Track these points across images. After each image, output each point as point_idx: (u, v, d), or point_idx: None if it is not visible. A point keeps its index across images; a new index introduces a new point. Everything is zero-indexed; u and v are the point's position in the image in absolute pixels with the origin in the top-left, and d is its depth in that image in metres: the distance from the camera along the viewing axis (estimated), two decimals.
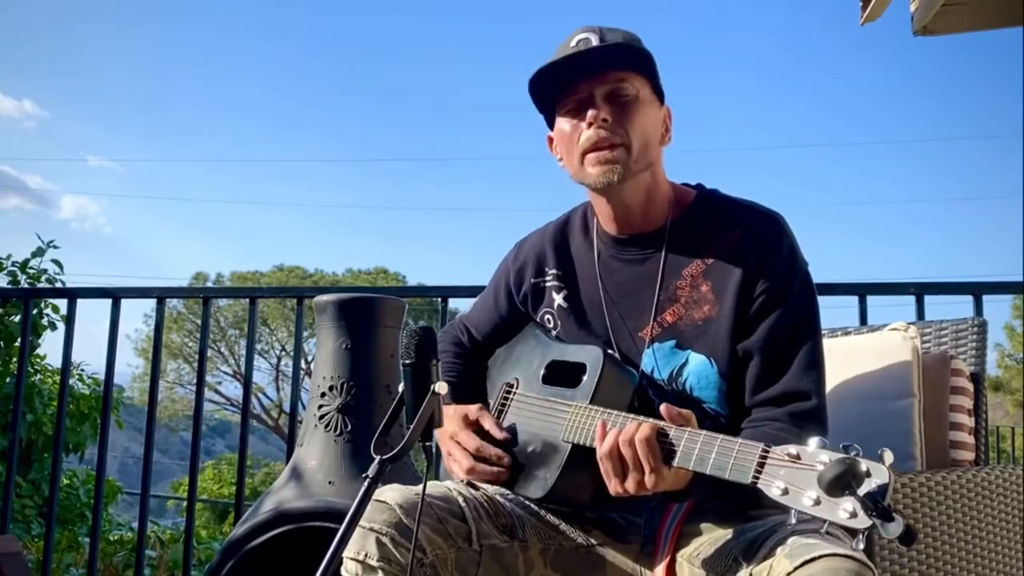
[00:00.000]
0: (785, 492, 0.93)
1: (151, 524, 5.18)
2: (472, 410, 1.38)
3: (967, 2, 2.48)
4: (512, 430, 1.36)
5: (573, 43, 1.29)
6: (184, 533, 2.93)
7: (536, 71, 1.29)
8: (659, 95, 1.34)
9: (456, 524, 1.25)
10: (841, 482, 0.87)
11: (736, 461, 1.00)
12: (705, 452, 1.04)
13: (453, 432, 1.35)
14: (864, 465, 0.88)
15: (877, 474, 0.87)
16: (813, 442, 0.94)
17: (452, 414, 1.37)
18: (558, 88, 1.32)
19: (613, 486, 1.13)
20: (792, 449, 0.95)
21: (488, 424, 1.35)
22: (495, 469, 1.31)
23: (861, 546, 0.89)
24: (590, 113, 1.28)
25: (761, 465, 0.97)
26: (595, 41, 1.27)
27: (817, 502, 0.90)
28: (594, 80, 1.28)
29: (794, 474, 0.94)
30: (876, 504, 0.86)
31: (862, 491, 0.87)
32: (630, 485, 1.11)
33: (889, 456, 0.89)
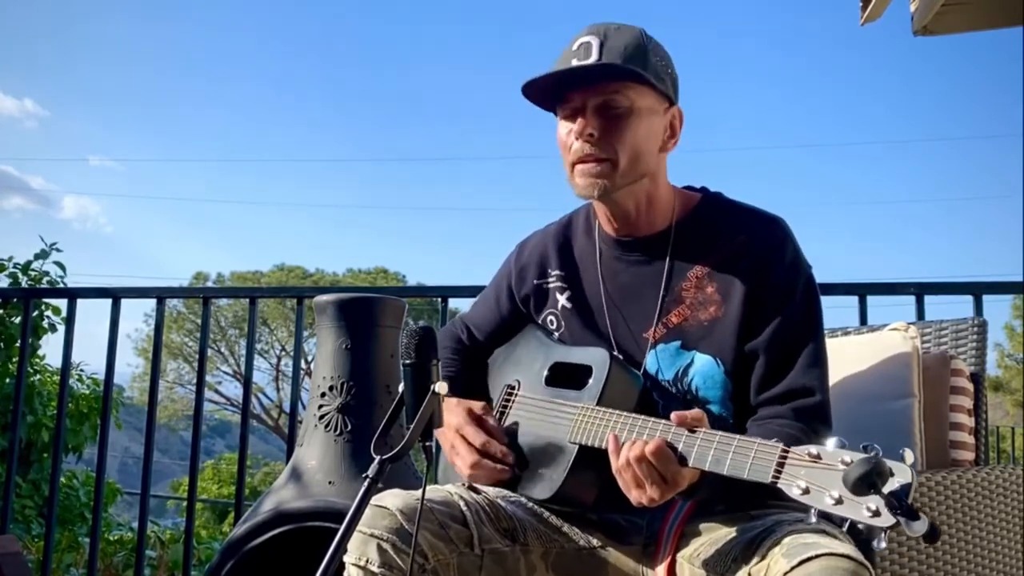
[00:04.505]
0: (806, 492, 0.94)
1: (151, 524, 5.18)
2: (477, 405, 1.37)
3: (967, 2, 2.47)
4: (515, 431, 1.36)
5: (575, 46, 1.28)
6: (184, 533, 2.93)
7: (526, 83, 1.29)
8: (667, 98, 1.32)
9: (457, 529, 1.25)
10: (867, 480, 0.87)
11: (755, 461, 1.01)
12: (721, 453, 1.05)
13: (459, 425, 1.34)
14: (888, 464, 0.88)
15: (900, 473, 0.88)
16: (831, 442, 0.94)
17: (455, 407, 1.36)
18: (553, 94, 1.32)
19: (635, 497, 1.13)
20: (813, 449, 0.96)
21: (490, 424, 1.35)
22: (499, 467, 1.30)
23: (883, 544, 0.89)
24: (578, 125, 1.28)
25: (781, 465, 0.98)
26: (595, 47, 1.26)
27: (839, 501, 0.90)
28: (587, 91, 1.28)
29: (815, 474, 0.94)
30: (901, 502, 0.86)
31: (886, 489, 0.87)
32: (654, 494, 1.11)
33: (910, 456, 0.89)
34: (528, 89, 1.30)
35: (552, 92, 1.31)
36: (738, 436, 1.05)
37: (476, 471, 1.31)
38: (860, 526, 0.89)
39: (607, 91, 1.27)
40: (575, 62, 1.26)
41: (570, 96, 1.29)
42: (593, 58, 1.26)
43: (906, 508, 0.86)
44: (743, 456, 1.02)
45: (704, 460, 1.06)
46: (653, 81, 1.27)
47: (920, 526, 0.85)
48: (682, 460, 1.08)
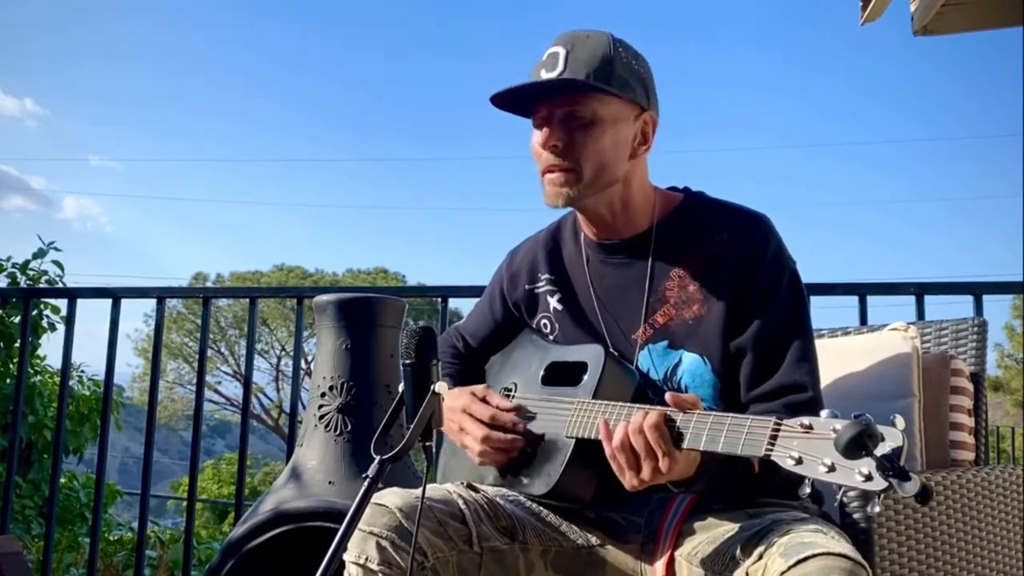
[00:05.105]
0: (799, 462, 0.93)
1: (151, 524, 5.18)
2: (478, 388, 1.38)
3: (967, 2, 2.47)
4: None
5: (545, 56, 1.30)
6: (184, 533, 2.93)
7: (492, 96, 1.30)
8: (639, 104, 1.32)
9: (456, 527, 1.25)
10: (858, 443, 0.87)
11: (748, 436, 1.01)
12: (715, 431, 1.05)
13: (465, 405, 1.35)
14: (879, 428, 0.88)
15: (891, 438, 0.88)
16: (824, 413, 0.94)
17: (458, 393, 1.38)
18: (524, 104, 1.33)
19: (628, 479, 1.12)
20: (805, 420, 0.96)
21: (496, 400, 1.36)
22: (510, 436, 1.30)
23: (877, 509, 0.89)
24: (543, 136, 1.30)
25: (774, 437, 0.98)
26: (561, 58, 1.28)
27: (832, 468, 0.90)
28: (553, 102, 1.30)
29: (808, 443, 0.94)
30: (892, 464, 0.86)
31: (878, 452, 0.87)
32: (646, 474, 1.10)
33: (901, 421, 0.89)
34: (497, 102, 1.32)
35: (522, 103, 1.33)
36: (731, 415, 1.05)
37: (486, 445, 1.31)
38: (850, 488, 0.89)
39: (571, 102, 1.29)
40: (544, 72, 1.29)
41: (538, 107, 1.32)
42: (558, 69, 1.27)
43: (898, 469, 0.86)
44: (737, 433, 1.02)
45: (699, 439, 1.06)
46: (616, 91, 1.28)
47: (911, 486, 0.85)
48: (678, 439, 1.08)
